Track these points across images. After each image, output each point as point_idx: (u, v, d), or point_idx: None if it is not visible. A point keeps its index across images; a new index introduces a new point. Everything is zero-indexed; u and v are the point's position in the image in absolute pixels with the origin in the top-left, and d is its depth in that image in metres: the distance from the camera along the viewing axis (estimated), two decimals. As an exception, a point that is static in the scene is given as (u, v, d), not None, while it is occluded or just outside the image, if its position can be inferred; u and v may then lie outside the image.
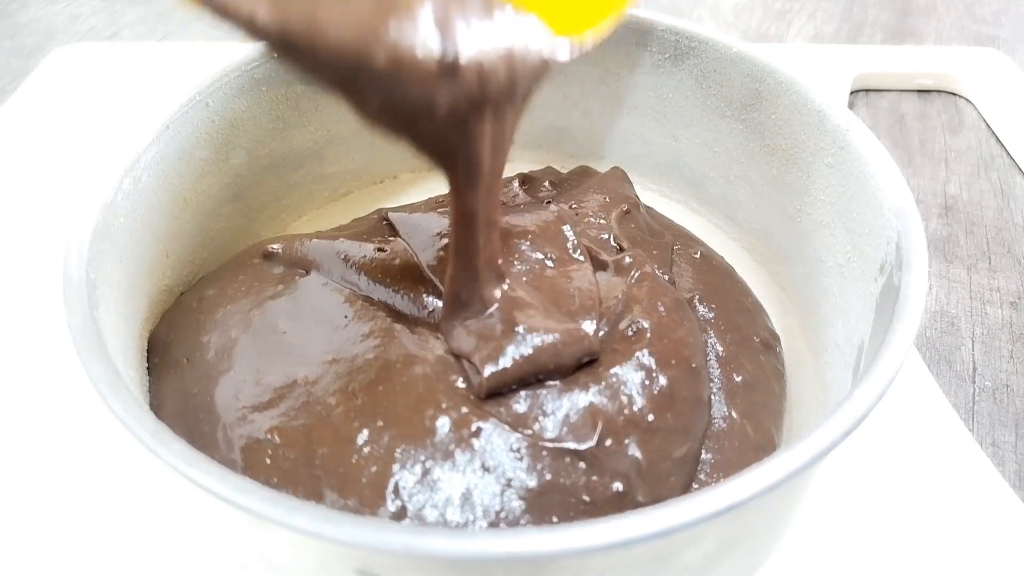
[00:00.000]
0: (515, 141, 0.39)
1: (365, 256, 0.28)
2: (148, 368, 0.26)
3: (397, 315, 0.26)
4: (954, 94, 0.51)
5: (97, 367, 0.20)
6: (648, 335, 0.24)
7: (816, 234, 0.30)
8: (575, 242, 0.28)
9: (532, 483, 0.21)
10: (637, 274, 0.27)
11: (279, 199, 0.35)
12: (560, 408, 0.22)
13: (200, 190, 0.30)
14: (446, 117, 0.20)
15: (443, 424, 0.22)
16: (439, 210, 0.30)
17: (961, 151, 0.46)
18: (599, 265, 0.28)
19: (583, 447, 0.22)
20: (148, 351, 0.27)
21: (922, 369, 0.31)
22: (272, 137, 0.33)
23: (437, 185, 0.37)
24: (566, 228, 0.29)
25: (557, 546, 0.16)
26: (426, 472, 0.21)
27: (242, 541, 0.22)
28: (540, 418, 0.22)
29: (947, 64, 0.51)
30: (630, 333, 0.25)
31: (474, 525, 0.20)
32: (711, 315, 0.28)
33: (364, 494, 0.21)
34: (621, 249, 0.29)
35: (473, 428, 0.22)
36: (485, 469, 0.21)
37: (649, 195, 0.37)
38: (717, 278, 0.31)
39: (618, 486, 0.22)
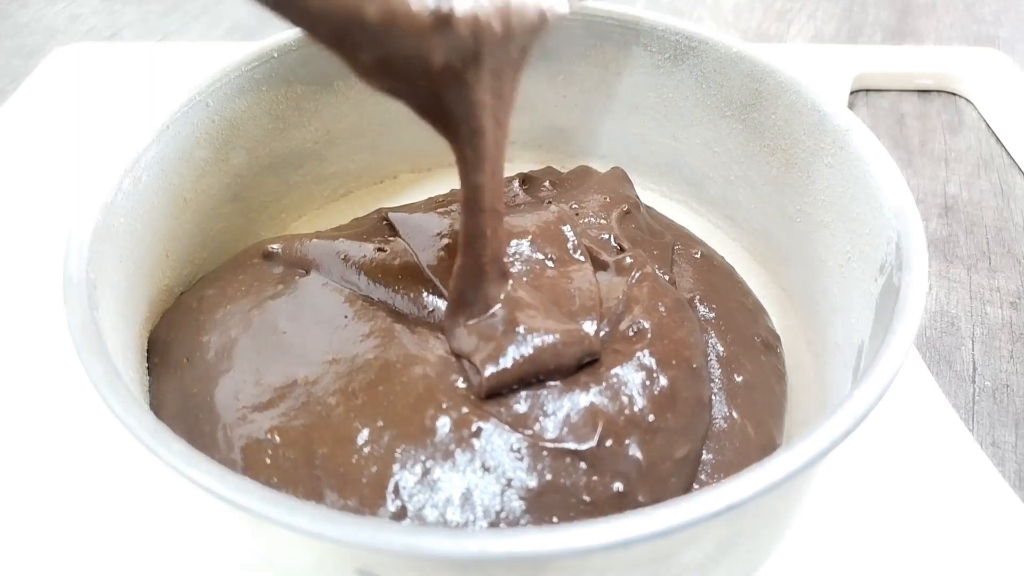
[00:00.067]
0: (515, 141, 0.39)
1: (365, 256, 0.28)
2: (148, 368, 0.26)
3: (397, 315, 0.26)
4: (954, 94, 0.51)
5: (97, 367, 0.20)
6: (649, 335, 0.24)
7: (816, 234, 0.30)
8: (575, 242, 0.28)
9: (532, 483, 0.21)
10: (638, 274, 0.27)
11: (279, 199, 0.35)
12: (561, 408, 0.22)
13: (200, 190, 0.30)
14: (441, 72, 0.19)
15: (443, 424, 0.22)
16: (439, 210, 0.30)
17: (961, 151, 0.46)
18: (600, 265, 0.28)
19: (584, 447, 0.22)
20: (148, 351, 0.27)
21: (922, 369, 0.31)
22: (272, 137, 0.33)
23: (437, 185, 0.37)
24: (566, 228, 0.29)
25: (557, 546, 0.16)
26: (426, 472, 0.21)
27: (242, 541, 0.22)
28: (541, 418, 0.22)
29: (947, 64, 0.51)
30: (631, 333, 0.25)
31: (474, 525, 0.20)
32: (712, 315, 0.28)
33: (364, 494, 0.21)
34: (622, 249, 0.29)
35: (473, 428, 0.22)
36: (485, 469, 0.21)
37: (649, 195, 0.37)
38: (718, 278, 0.31)
39: (619, 486, 0.22)
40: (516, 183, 0.33)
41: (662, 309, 0.25)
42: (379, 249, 0.28)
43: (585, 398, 0.23)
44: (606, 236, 0.30)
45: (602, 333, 0.25)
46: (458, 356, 0.24)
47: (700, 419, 0.24)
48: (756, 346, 0.28)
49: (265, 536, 0.20)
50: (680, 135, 0.36)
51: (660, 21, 0.34)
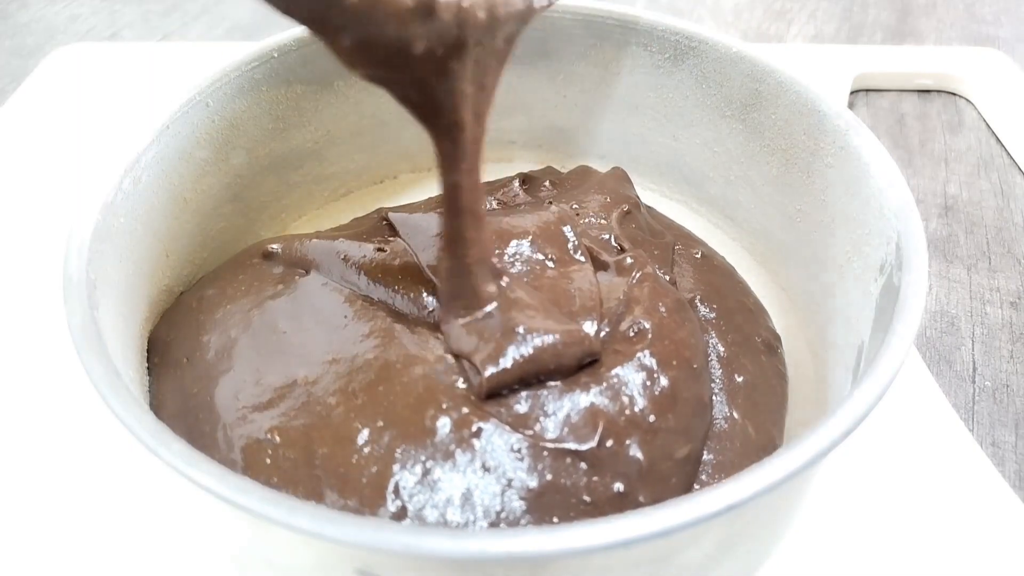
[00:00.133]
0: (515, 141, 0.39)
1: (365, 256, 0.28)
2: (148, 368, 0.26)
3: (397, 315, 0.26)
4: (954, 94, 0.51)
5: (97, 367, 0.20)
6: (649, 336, 0.24)
7: (816, 234, 0.30)
8: (576, 243, 0.28)
9: (533, 483, 0.21)
10: (638, 275, 0.27)
11: (279, 199, 0.35)
12: (561, 409, 0.22)
13: (200, 190, 0.30)
14: (423, 59, 0.19)
15: (443, 424, 0.22)
16: (439, 210, 0.30)
17: (961, 151, 0.46)
18: (600, 265, 0.28)
19: (584, 448, 0.22)
20: (148, 351, 0.27)
21: (922, 369, 0.31)
22: (272, 137, 0.33)
23: (437, 185, 0.37)
24: (566, 229, 0.29)
25: (557, 546, 0.16)
26: (426, 472, 0.21)
27: (242, 541, 0.22)
28: (541, 418, 0.22)
29: (947, 64, 0.51)
30: (631, 334, 0.25)
31: (474, 525, 0.20)
32: (712, 315, 0.28)
33: (364, 494, 0.21)
34: (622, 249, 0.29)
35: (474, 428, 0.22)
36: (486, 469, 0.21)
37: (649, 195, 0.37)
38: (718, 278, 0.31)
39: (619, 487, 0.22)
40: (516, 183, 0.33)
41: (663, 309, 0.25)
42: (379, 249, 0.28)
43: (586, 398, 0.23)
44: (606, 236, 0.30)
45: (602, 333, 0.25)
46: (458, 356, 0.24)
47: (701, 419, 0.24)
48: (757, 346, 0.28)
49: (265, 536, 0.20)
50: (680, 135, 0.36)
51: (660, 21, 0.34)
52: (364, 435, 0.22)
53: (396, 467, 0.21)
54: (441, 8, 0.18)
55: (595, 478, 0.21)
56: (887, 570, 0.25)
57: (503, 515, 0.21)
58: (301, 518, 0.17)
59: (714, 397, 0.26)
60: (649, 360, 0.24)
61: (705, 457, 0.24)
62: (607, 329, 0.25)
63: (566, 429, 0.22)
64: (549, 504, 0.21)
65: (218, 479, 0.17)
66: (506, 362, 0.23)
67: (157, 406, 0.25)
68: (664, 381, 0.23)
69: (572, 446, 0.22)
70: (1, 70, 0.52)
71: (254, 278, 0.28)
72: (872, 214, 0.26)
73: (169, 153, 0.28)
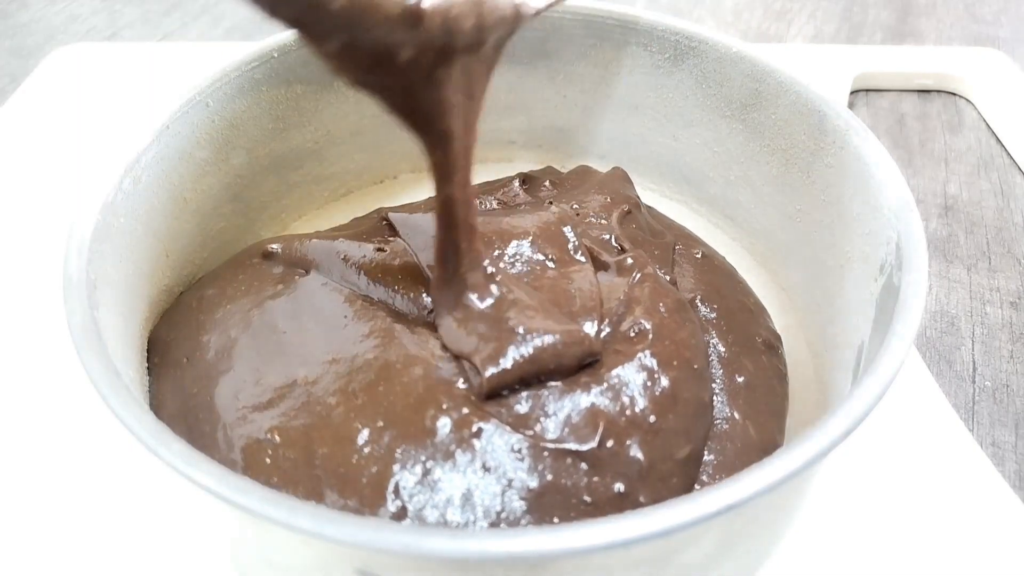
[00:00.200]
0: (515, 141, 0.39)
1: (365, 256, 0.28)
2: (148, 368, 0.26)
3: (397, 315, 0.26)
4: (954, 94, 0.51)
5: (97, 367, 0.20)
6: (650, 336, 0.24)
7: (816, 234, 0.30)
8: (576, 243, 0.28)
9: (533, 484, 0.21)
10: (639, 275, 0.27)
11: (279, 199, 0.35)
12: (561, 409, 0.22)
13: (200, 190, 0.30)
14: (409, 67, 0.19)
15: (444, 424, 0.22)
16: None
17: (961, 151, 0.46)
18: (600, 266, 0.28)
19: (585, 448, 0.22)
20: (148, 351, 0.27)
21: (922, 369, 0.31)
22: (272, 137, 0.33)
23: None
24: (567, 229, 0.29)
25: (557, 546, 0.16)
26: (427, 472, 0.21)
27: (242, 541, 0.22)
28: (541, 419, 0.22)
29: (947, 64, 0.51)
30: (632, 334, 0.25)
31: (475, 525, 0.20)
32: (713, 315, 0.28)
33: (364, 494, 0.21)
34: (622, 250, 0.29)
35: (474, 429, 0.22)
36: (486, 470, 0.21)
37: (649, 195, 0.37)
38: (719, 278, 0.31)
39: (620, 487, 0.22)
40: (516, 183, 0.33)
41: (663, 310, 0.25)
42: (379, 249, 0.28)
43: (586, 399, 0.23)
44: (607, 236, 0.30)
45: (603, 334, 0.25)
46: (458, 356, 0.24)
47: (701, 420, 0.24)
48: (757, 346, 0.28)
49: (265, 536, 0.20)
50: (680, 135, 0.36)
51: (660, 21, 0.34)
52: (364, 435, 0.22)
53: (396, 467, 0.21)
54: (428, 17, 0.18)
55: (596, 478, 0.21)
56: (887, 570, 0.25)
57: (503, 515, 0.21)
58: (301, 518, 0.17)
59: (715, 397, 0.26)
60: (650, 360, 0.24)
61: (706, 457, 0.24)
62: (608, 329, 0.25)
63: (567, 429, 0.22)
64: (549, 504, 0.21)
65: (218, 479, 0.17)
66: (506, 362, 0.23)
67: (157, 406, 0.25)
68: (665, 381, 0.23)
69: (573, 446, 0.22)
70: (1, 70, 0.52)
71: (254, 278, 0.28)
72: (872, 214, 0.26)
73: (169, 153, 0.28)
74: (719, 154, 0.34)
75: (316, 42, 0.19)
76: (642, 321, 0.25)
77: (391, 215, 0.30)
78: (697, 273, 0.30)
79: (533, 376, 0.23)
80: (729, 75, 0.33)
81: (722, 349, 0.27)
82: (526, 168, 0.36)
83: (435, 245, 0.24)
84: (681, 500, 0.17)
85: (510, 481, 0.21)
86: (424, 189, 0.38)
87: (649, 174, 0.38)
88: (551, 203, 0.31)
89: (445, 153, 0.22)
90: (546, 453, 0.21)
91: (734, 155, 0.34)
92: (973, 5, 0.61)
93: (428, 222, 0.29)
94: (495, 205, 0.33)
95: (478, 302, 0.24)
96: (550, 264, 0.27)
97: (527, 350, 0.23)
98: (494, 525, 0.20)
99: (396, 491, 0.21)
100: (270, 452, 0.22)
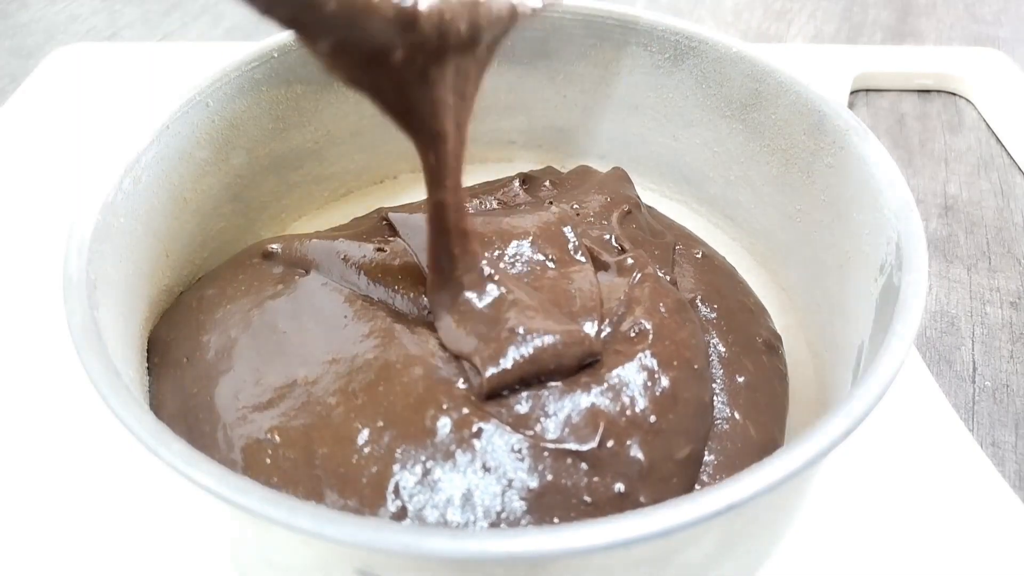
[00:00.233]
0: (515, 141, 0.39)
1: (365, 256, 0.28)
2: (148, 368, 0.26)
3: (397, 315, 0.26)
4: (954, 94, 0.51)
5: (97, 367, 0.20)
6: (650, 336, 0.24)
7: (816, 234, 0.30)
8: (576, 243, 0.28)
9: (533, 484, 0.21)
10: (639, 275, 0.27)
11: (279, 199, 0.35)
12: (562, 409, 0.22)
13: (200, 190, 0.30)
14: (402, 67, 0.19)
15: (444, 424, 0.22)
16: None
17: (961, 151, 0.46)
18: (601, 266, 0.28)
19: (585, 448, 0.22)
20: (148, 351, 0.27)
21: (922, 369, 0.31)
22: (272, 137, 0.33)
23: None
24: (567, 229, 0.29)
25: (557, 546, 0.16)
26: (427, 472, 0.21)
27: (242, 541, 0.22)
28: (542, 419, 0.22)
29: (947, 64, 0.51)
30: (632, 334, 0.25)
31: (475, 526, 0.20)
32: (713, 315, 0.28)
33: (364, 494, 0.21)
34: (623, 250, 0.29)
35: (474, 429, 0.22)
36: (486, 470, 0.21)
37: (649, 195, 0.37)
38: (719, 278, 0.31)
39: (620, 487, 0.21)
40: (516, 183, 0.33)
41: (663, 310, 0.25)
42: (379, 249, 0.28)
43: (586, 399, 0.23)
44: (607, 236, 0.30)
45: (603, 334, 0.25)
46: (458, 356, 0.24)
47: (702, 420, 0.24)
48: (758, 346, 0.28)
49: (265, 536, 0.20)
50: (680, 135, 0.36)
51: (660, 21, 0.34)
52: (364, 435, 0.22)
53: (396, 467, 0.21)
54: (423, 18, 0.18)
55: (596, 479, 0.21)
56: (887, 570, 0.25)
57: (503, 515, 0.21)
58: (301, 518, 0.17)
59: (715, 397, 0.26)
60: (650, 360, 0.24)
61: (706, 457, 0.24)
62: (608, 329, 0.25)
63: (567, 429, 0.22)
64: (550, 504, 0.21)
65: (218, 479, 0.17)
66: (506, 362, 0.23)
67: (157, 406, 0.25)
68: (665, 382, 0.23)
69: (573, 446, 0.22)
70: (1, 70, 0.52)
71: (254, 278, 0.28)
72: (872, 214, 0.26)
73: (169, 153, 0.28)
74: (719, 154, 0.34)
75: (309, 41, 0.19)
76: (642, 321, 0.25)
77: (391, 215, 0.30)
78: (697, 273, 0.30)
79: (533, 376, 0.23)
80: (729, 75, 0.33)
81: (722, 349, 0.27)
82: (526, 168, 0.36)
83: (428, 249, 0.24)
84: (681, 500, 0.17)
85: (510, 481, 0.21)
86: (424, 189, 0.38)
87: (649, 174, 0.38)
88: (551, 203, 0.31)
89: (437, 154, 0.22)
90: (546, 453, 0.21)
91: (734, 155, 0.34)
92: (973, 5, 0.61)
93: (427, 223, 0.29)
94: (495, 205, 0.33)
95: (476, 303, 0.24)
96: (550, 264, 0.27)
97: (527, 350, 0.23)
98: (494, 525, 0.20)
99: (396, 491, 0.21)
100: (270, 452, 0.22)
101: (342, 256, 0.28)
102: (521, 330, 0.23)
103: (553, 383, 0.23)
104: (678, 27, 0.33)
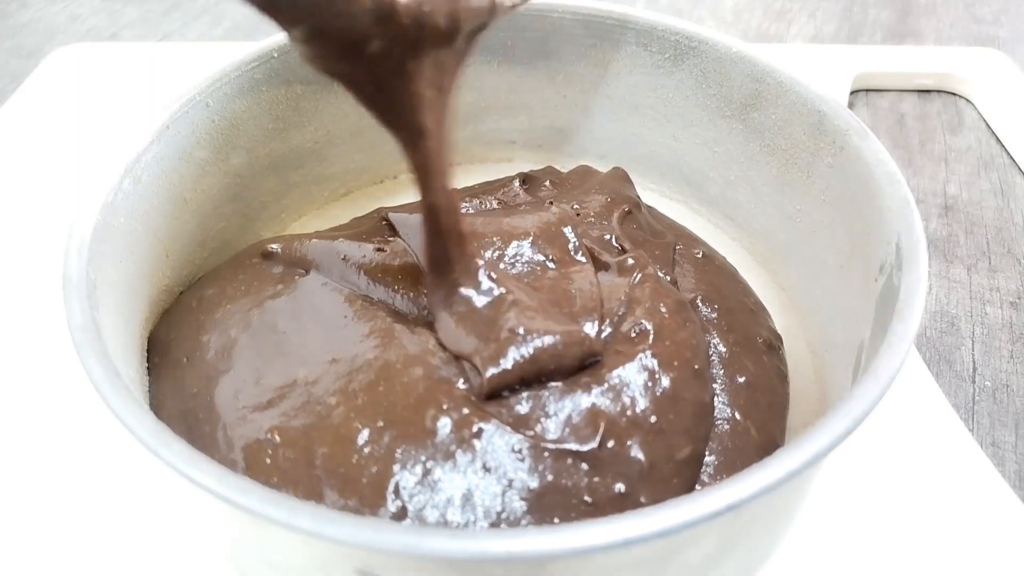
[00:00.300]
0: (515, 141, 0.39)
1: (365, 256, 0.28)
2: (148, 368, 0.26)
3: (397, 315, 0.26)
4: (954, 94, 0.51)
5: (97, 367, 0.20)
6: (651, 337, 0.24)
7: (816, 234, 0.30)
8: (576, 243, 0.28)
9: (534, 484, 0.21)
10: (639, 275, 0.27)
11: (279, 199, 0.35)
12: (562, 409, 0.22)
13: (200, 190, 0.30)
14: (379, 58, 0.19)
15: (444, 425, 0.22)
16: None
17: (961, 151, 0.46)
18: (601, 266, 0.28)
19: (585, 448, 0.22)
20: (148, 351, 0.27)
21: (922, 369, 0.31)
22: (272, 137, 0.33)
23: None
24: (567, 229, 0.29)
25: (557, 546, 0.16)
26: (427, 472, 0.21)
27: (242, 541, 0.22)
28: (542, 419, 0.22)
29: (947, 64, 0.51)
30: (633, 335, 0.25)
31: (475, 526, 0.20)
32: (714, 315, 0.28)
33: (364, 494, 0.21)
34: (623, 250, 0.29)
35: (474, 429, 0.22)
36: (486, 470, 0.21)
37: (649, 195, 0.37)
38: (720, 278, 0.31)
39: (620, 487, 0.21)
40: (517, 183, 0.33)
41: (664, 310, 0.25)
42: (379, 249, 0.28)
43: (587, 399, 0.23)
44: (608, 236, 0.30)
45: (604, 334, 0.25)
46: (458, 357, 0.24)
47: (702, 420, 0.24)
48: (758, 347, 0.28)
49: (265, 536, 0.20)
50: (680, 135, 0.36)
51: (660, 21, 0.34)
52: (364, 435, 0.22)
53: (396, 467, 0.21)
54: (401, 10, 0.18)
55: (596, 479, 0.21)
56: (887, 570, 0.25)
57: (504, 515, 0.21)
58: (301, 518, 0.17)
59: (716, 398, 0.26)
60: (650, 361, 0.24)
61: (707, 458, 0.24)
62: (608, 330, 0.25)
63: (567, 430, 0.22)
64: (550, 505, 0.21)
65: (218, 479, 0.17)
66: (507, 363, 0.23)
67: (157, 406, 0.25)
68: (665, 382, 0.23)
69: (573, 447, 0.22)
70: (1, 70, 0.52)
71: (254, 278, 0.28)
72: (872, 214, 0.26)
73: (169, 153, 0.28)
74: (719, 154, 0.34)
75: (284, 27, 0.19)
76: (643, 321, 0.25)
77: (391, 215, 0.30)
78: (698, 273, 0.30)
79: (534, 376, 0.23)
80: (729, 75, 0.33)
81: (723, 349, 0.27)
82: (526, 168, 0.36)
83: (425, 251, 0.24)
84: (681, 500, 0.17)
85: (510, 481, 0.21)
86: (423, 190, 0.38)
87: (649, 174, 0.38)
88: (551, 203, 0.31)
89: (421, 153, 0.22)
90: (547, 453, 0.21)
91: (734, 155, 0.34)
92: (973, 5, 0.61)
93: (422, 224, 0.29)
94: (495, 205, 0.33)
95: (476, 303, 0.24)
96: (550, 264, 0.27)
97: (528, 351, 0.23)
98: (494, 525, 0.20)
99: (396, 491, 0.21)
100: (270, 452, 0.22)
101: (342, 256, 0.28)
102: (521, 330, 0.23)
103: (553, 383, 0.23)
104: (678, 27, 0.33)
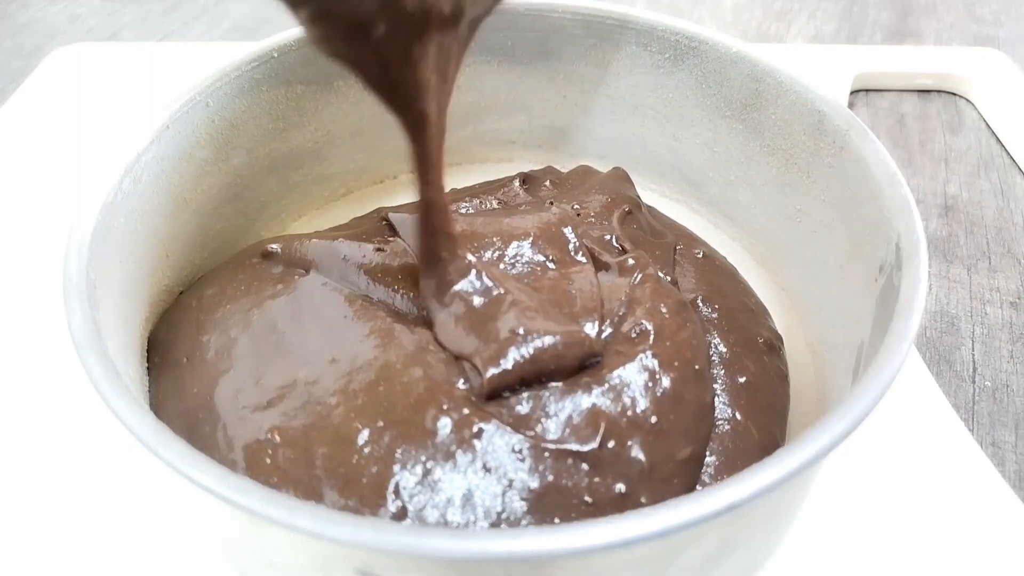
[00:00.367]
0: (515, 141, 0.39)
1: (365, 256, 0.28)
2: (148, 368, 0.26)
3: (397, 315, 0.26)
4: (954, 94, 0.51)
5: (97, 367, 0.20)
6: (651, 337, 0.24)
7: (816, 234, 0.30)
8: (576, 243, 0.28)
9: (534, 484, 0.21)
10: (640, 276, 0.27)
11: (279, 199, 0.35)
12: (563, 410, 0.22)
13: (200, 190, 0.30)
14: (384, 41, 0.19)
15: (444, 425, 0.22)
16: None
17: (961, 151, 0.46)
18: (601, 266, 0.28)
19: (586, 448, 0.22)
20: (148, 351, 0.27)
21: (922, 369, 0.31)
22: (272, 137, 0.33)
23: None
24: (567, 230, 0.29)
25: (557, 546, 0.16)
26: (427, 473, 0.21)
27: (242, 541, 0.22)
28: (542, 419, 0.22)
29: (947, 64, 0.51)
30: (633, 335, 0.25)
31: (475, 526, 0.20)
32: (714, 316, 0.28)
33: (364, 494, 0.21)
34: (623, 250, 0.29)
35: (475, 429, 0.22)
36: (486, 470, 0.21)
37: (649, 195, 0.37)
38: (720, 278, 0.31)
39: (621, 488, 0.21)
40: (516, 183, 0.33)
41: (664, 311, 0.25)
42: (379, 249, 0.28)
43: (587, 399, 0.23)
44: (608, 237, 0.30)
45: (604, 334, 0.25)
46: (458, 357, 0.24)
47: (703, 421, 0.24)
48: (759, 347, 0.28)
49: (265, 536, 0.20)
50: (680, 135, 0.36)
51: (660, 21, 0.34)
52: (364, 435, 0.22)
53: (396, 467, 0.21)
54: None
55: (597, 479, 0.21)
56: (887, 570, 0.25)
57: (504, 516, 0.21)
58: (301, 518, 0.17)
59: (716, 398, 0.26)
60: (651, 361, 0.24)
61: (707, 458, 0.24)
62: (609, 330, 0.25)
63: (567, 430, 0.22)
64: (550, 505, 0.21)
65: (218, 479, 0.17)
66: (507, 363, 0.23)
67: (157, 406, 0.25)
68: (666, 382, 0.23)
69: (574, 447, 0.22)
70: (1, 70, 0.52)
71: (254, 278, 0.28)
72: (872, 214, 0.26)
73: (169, 153, 0.28)
74: (719, 154, 0.34)
75: (292, 8, 0.19)
76: (643, 322, 0.25)
77: (391, 215, 0.30)
78: (698, 273, 0.30)
79: (534, 377, 0.23)
80: (729, 75, 0.33)
81: (723, 349, 0.27)
82: (526, 168, 0.36)
83: (418, 250, 0.24)
84: (682, 500, 0.17)
85: (511, 482, 0.21)
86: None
87: (649, 174, 0.38)
88: (551, 203, 0.31)
89: (422, 141, 0.22)
90: (547, 454, 0.21)
91: (734, 155, 0.34)
92: (973, 5, 0.61)
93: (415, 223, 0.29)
94: (495, 205, 0.32)
95: (473, 304, 0.24)
96: (551, 265, 0.27)
97: (528, 351, 0.23)
98: (495, 526, 0.20)
99: (396, 491, 0.21)
100: (270, 452, 0.22)
101: (342, 256, 0.28)
102: (522, 331, 0.23)
103: (554, 384, 0.23)
104: (678, 27, 0.33)
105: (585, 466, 0.22)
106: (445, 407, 0.22)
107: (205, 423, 0.23)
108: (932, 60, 0.52)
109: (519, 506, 0.21)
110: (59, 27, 0.57)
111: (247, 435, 0.23)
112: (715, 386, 0.26)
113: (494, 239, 0.28)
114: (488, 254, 0.28)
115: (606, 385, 0.23)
